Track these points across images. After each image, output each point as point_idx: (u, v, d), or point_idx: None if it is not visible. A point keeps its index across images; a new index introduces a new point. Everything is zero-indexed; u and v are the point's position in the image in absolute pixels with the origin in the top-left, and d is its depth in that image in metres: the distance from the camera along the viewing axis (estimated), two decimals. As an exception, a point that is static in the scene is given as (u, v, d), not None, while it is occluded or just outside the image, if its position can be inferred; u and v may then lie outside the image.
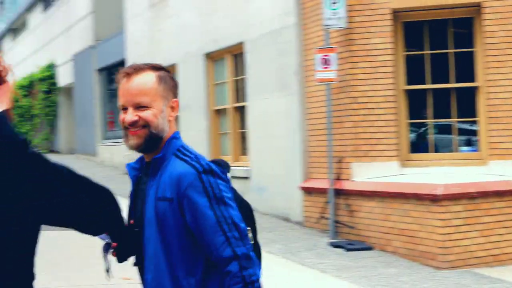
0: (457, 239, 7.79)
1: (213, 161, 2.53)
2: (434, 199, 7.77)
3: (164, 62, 15.00)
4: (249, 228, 2.51)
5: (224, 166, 2.56)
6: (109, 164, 19.90)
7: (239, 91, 12.43)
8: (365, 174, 9.12)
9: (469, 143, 9.26)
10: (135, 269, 2.63)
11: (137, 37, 16.65)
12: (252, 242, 2.49)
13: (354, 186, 9.03)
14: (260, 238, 8.79)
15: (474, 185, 8.02)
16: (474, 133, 9.13)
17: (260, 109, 11.34)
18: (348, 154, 9.25)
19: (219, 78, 13.15)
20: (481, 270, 7.65)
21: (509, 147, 8.65)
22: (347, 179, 9.22)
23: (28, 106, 27.36)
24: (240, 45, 12.10)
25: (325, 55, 9.30)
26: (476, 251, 7.90)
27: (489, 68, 8.78)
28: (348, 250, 8.42)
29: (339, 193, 9.20)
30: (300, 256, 8.11)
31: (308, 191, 10.02)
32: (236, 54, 12.46)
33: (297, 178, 10.30)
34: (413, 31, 9.33)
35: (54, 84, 25.11)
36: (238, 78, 12.45)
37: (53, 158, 2.32)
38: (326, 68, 9.30)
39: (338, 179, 9.18)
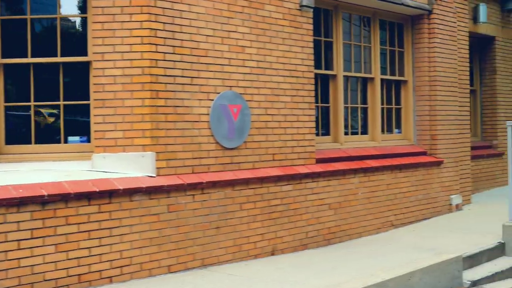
0: (20, 258, 5.87)
1: None
2: (-15, 206, 5.78)
3: None
4: None
5: None
6: None
7: None
8: None
9: (81, 132, 7.47)
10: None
11: None
12: None
13: None
14: None
15: (47, 186, 6.14)
16: (86, 119, 7.37)
17: None
18: None
19: None
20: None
21: (118, 136, 6.99)
22: None
23: None
24: None
25: None
26: (50, 271, 6.03)
27: (96, 38, 7.05)
28: None
29: None
30: None
31: None
32: None
33: None
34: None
35: None
36: None
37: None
38: None
39: None
